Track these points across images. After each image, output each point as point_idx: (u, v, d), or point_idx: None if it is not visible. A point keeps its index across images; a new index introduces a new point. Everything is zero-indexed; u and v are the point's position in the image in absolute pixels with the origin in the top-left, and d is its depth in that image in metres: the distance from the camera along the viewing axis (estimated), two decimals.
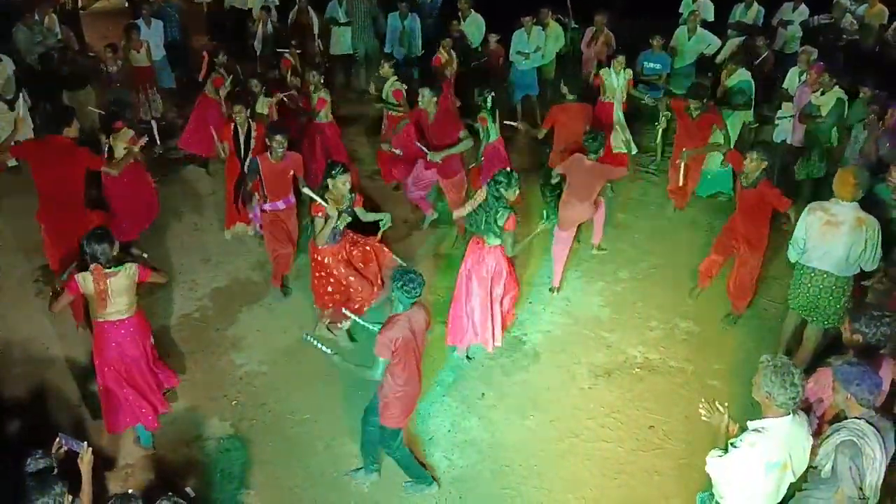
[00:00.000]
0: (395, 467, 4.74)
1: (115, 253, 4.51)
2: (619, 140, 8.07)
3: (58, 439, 3.71)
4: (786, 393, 3.30)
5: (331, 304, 5.85)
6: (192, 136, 8.47)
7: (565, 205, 6.49)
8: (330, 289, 5.77)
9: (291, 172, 6.15)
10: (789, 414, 3.39)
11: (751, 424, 3.47)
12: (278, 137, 5.94)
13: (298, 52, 9.24)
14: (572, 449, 5.09)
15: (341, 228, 5.56)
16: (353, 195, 5.58)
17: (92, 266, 4.43)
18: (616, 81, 7.99)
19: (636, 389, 5.61)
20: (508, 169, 5.46)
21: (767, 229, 5.95)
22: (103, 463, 4.66)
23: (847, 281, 5.20)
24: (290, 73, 8.59)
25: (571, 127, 7.27)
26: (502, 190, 5.28)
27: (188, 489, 4.43)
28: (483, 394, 5.57)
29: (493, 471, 4.93)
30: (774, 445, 3.38)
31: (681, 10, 10.28)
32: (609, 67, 8.11)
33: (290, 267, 6.65)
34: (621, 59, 7.98)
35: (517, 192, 5.38)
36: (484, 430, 5.25)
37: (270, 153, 6.02)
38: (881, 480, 3.46)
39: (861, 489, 3.42)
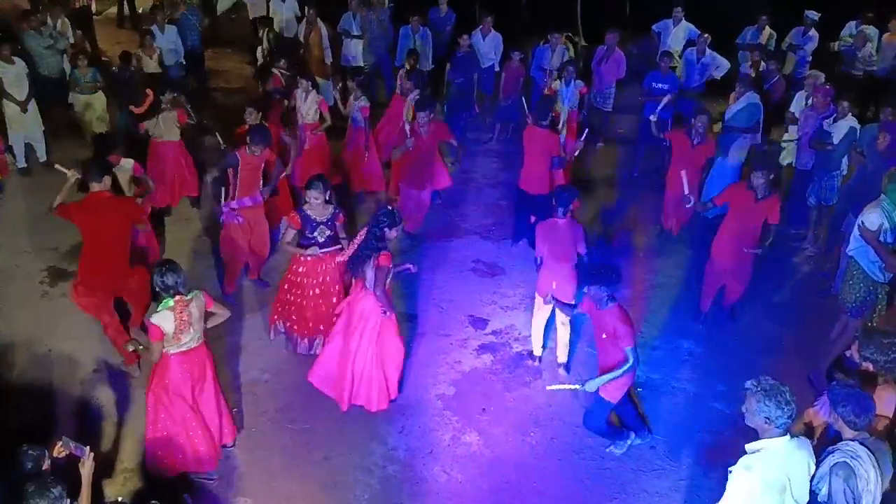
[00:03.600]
0: (394, 475, 4.76)
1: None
2: None
3: (60, 442, 3.69)
4: (784, 412, 3.31)
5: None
6: None
7: (543, 269, 5.70)
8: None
9: (262, 167, 6.48)
10: (786, 434, 3.38)
11: (748, 447, 3.48)
12: (255, 138, 6.24)
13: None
14: (573, 467, 5.06)
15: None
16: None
17: (175, 298, 4.32)
18: None
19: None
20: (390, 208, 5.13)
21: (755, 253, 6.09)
22: (102, 466, 4.63)
23: (864, 273, 5.51)
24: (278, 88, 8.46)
25: (534, 154, 7.15)
26: (386, 229, 5.00)
27: (186, 496, 4.42)
28: (484, 409, 5.55)
29: (491, 487, 4.90)
30: (771, 466, 3.37)
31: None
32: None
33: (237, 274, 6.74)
34: None
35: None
36: (484, 445, 5.22)
37: (248, 148, 6.30)
38: (878, 502, 3.45)
39: None
